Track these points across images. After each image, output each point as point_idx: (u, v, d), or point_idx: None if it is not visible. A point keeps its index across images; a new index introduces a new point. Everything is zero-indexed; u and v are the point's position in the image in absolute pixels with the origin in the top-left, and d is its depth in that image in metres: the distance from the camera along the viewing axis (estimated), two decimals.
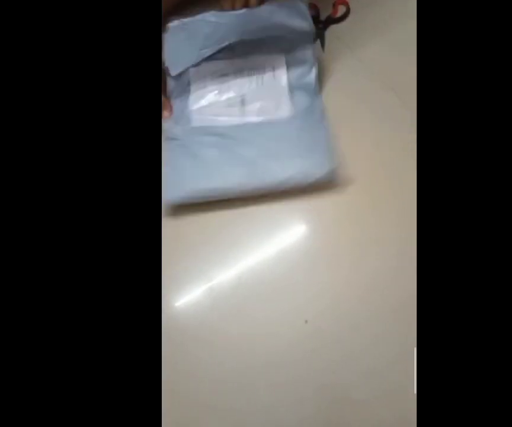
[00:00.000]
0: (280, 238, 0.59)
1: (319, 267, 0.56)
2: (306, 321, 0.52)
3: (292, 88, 0.66)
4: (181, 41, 0.68)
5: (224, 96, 0.65)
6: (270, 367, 0.50)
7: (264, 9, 0.65)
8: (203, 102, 0.66)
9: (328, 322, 0.52)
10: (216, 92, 0.66)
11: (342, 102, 0.67)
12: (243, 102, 0.65)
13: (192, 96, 0.66)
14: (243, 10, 0.66)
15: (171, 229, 0.60)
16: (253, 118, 0.64)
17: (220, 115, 0.65)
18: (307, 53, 0.67)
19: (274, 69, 0.67)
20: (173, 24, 0.68)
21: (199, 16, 0.68)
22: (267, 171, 0.59)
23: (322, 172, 0.58)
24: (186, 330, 0.53)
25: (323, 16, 0.76)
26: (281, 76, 0.66)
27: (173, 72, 0.66)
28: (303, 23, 0.65)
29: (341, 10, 0.77)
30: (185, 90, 0.67)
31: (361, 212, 0.59)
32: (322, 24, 0.75)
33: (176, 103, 0.67)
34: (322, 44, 0.73)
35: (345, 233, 0.57)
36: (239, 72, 0.66)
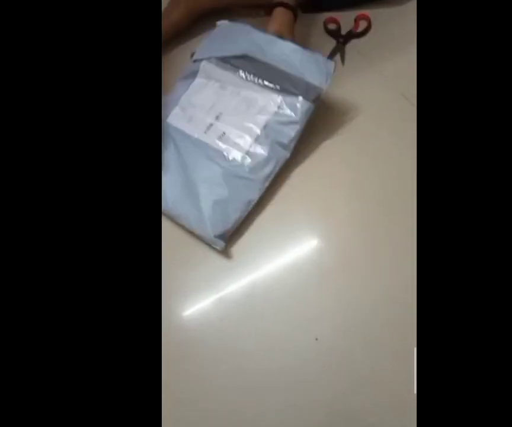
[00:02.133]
0: (292, 251, 0.57)
1: (331, 282, 0.53)
2: (316, 339, 0.50)
3: (267, 134, 0.62)
4: (211, 38, 0.72)
5: (209, 105, 0.66)
6: (278, 383, 0.48)
7: (289, 46, 0.65)
8: (193, 99, 0.67)
9: (339, 339, 0.50)
10: (207, 97, 0.67)
11: (362, 115, 0.66)
12: (217, 117, 0.65)
13: (191, 88, 0.68)
14: (270, 36, 0.67)
15: (182, 238, 0.59)
16: (212, 140, 0.63)
17: (191, 121, 0.65)
18: (300, 108, 0.62)
19: (263, 106, 0.64)
20: (220, 22, 0.72)
21: (226, 22, 0.72)
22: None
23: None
24: (194, 342, 0.52)
25: (344, 30, 0.76)
26: (263, 117, 0.63)
27: (195, 57, 0.70)
28: (318, 78, 0.62)
29: (362, 25, 0.77)
30: (191, 76, 0.69)
31: (375, 225, 0.57)
32: (342, 38, 0.75)
33: (178, 83, 0.70)
34: (342, 58, 0.73)
35: (358, 247, 0.55)
36: (235, 90, 0.66)
